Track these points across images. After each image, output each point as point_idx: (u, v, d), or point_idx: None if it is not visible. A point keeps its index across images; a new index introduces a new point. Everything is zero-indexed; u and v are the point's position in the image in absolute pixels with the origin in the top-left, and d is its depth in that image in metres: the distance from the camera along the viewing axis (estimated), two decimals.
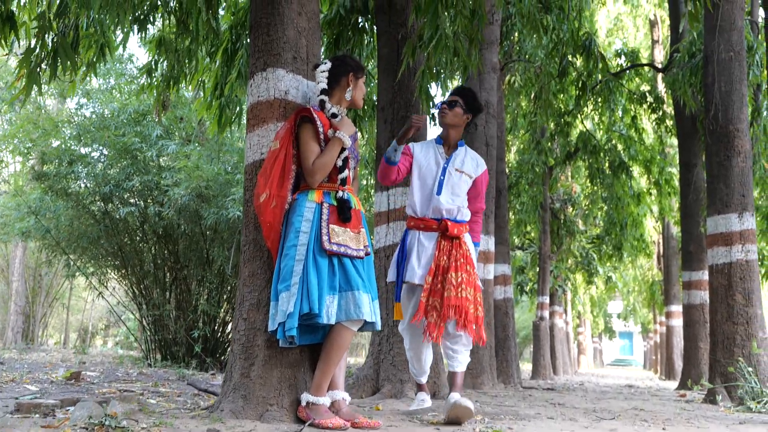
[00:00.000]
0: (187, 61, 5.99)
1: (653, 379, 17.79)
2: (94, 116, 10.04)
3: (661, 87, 13.60)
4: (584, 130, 12.57)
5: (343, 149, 3.18)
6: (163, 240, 9.91)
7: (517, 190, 13.56)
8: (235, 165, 9.53)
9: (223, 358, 9.97)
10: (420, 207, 3.94)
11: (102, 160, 9.82)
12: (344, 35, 6.27)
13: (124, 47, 5.03)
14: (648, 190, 14.33)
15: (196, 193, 8.81)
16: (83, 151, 9.94)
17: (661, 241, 19.85)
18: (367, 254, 3.16)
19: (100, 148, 9.84)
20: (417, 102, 5.15)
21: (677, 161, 14.35)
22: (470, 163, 4.01)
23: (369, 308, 3.01)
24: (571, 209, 16.05)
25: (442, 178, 3.93)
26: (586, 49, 6.82)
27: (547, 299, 14.17)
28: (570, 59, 8.19)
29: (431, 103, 4.92)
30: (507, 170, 11.79)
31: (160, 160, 9.83)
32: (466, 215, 3.97)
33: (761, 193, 8.32)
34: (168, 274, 9.97)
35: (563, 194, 16.06)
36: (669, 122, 11.81)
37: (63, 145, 9.29)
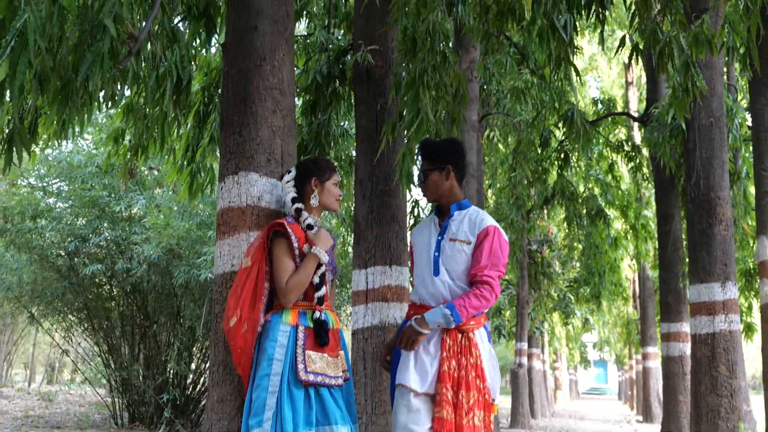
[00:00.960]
0: (156, 128, 5.74)
1: (630, 420, 17.69)
2: (61, 164, 9.71)
3: (637, 134, 13.65)
4: (562, 174, 12.52)
5: (319, 264, 2.97)
6: (132, 296, 9.57)
7: None
8: (209, 217, 9.26)
9: (193, 416, 9.62)
10: (419, 292, 3.16)
11: (67, 212, 9.49)
12: (321, 102, 6.11)
13: (89, 122, 4.77)
14: (624, 233, 14.31)
15: (167, 249, 8.53)
16: (49, 201, 9.61)
17: (636, 279, 19.87)
18: (346, 380, 2.94)
19: (67, 200, 9.52)
20: (398, 185, 4.98)
21: (653, 205, 14.38)
22: (466, 226, 3.12)
23: None
24: (548, 251, 15.98)
25: (436, 255, 3.13)
26: (569, 119, 6.74)
27: (525, 345, 14.02)
28: (552, 129, 8.13)
29: (411, 186, 4.75)
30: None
31: (131, 210, 9.52)
32: None
33: (740, 253, 8.29)
34: (136, 331, 9.62)
35: (540, 235, 16.00)
36: (646, 170, 11.81)
37: (26, 200, 8.94)
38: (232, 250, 3.13)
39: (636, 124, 13.29)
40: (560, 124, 6.94)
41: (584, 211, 12.34)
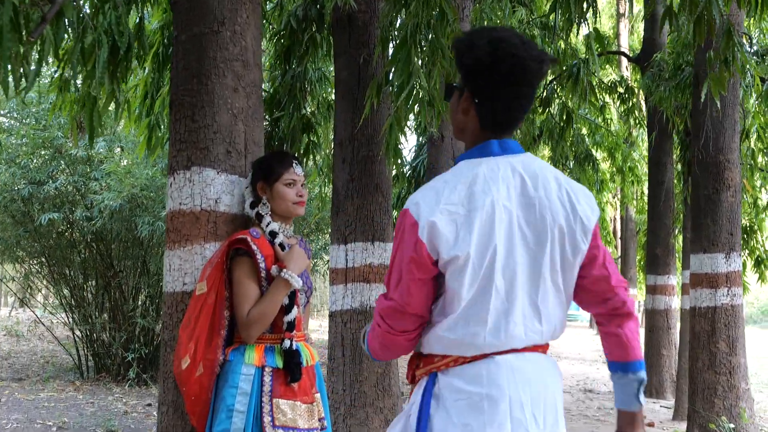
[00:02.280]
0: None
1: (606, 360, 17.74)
2: (10, 102, 8.87)
3: (628, 72, 12.98)
4: (552, 113, 11.87)
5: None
6: (94, 244, 8.96)
7: None
8: None
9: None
10: None
11: (22, 150, 8.72)
12: (295, 50, 5.38)
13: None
14: (611, 175, 13.85)
15: (129, 198, 7.87)
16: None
17: (618, 218, 19.61)
18: (323, 429, 2.45)
19: (20, 138, 8.75)
20: (383, 159, 4.37)
21: (641, 147, 13.90)
22: None
23: None
24: None
25: None
26: (574, 76, 6.11)
27: None
28: (555, 87, 7.50)
29: (399, 161, 4.14)
30: None
31: (90, 153, 8.77)
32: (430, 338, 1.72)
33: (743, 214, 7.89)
34: (100, 280, 9.06)
35: None
36: (637, 113, 11.24)
37: None
38: (183, 265, 2.57)
39: (628, 62, 12.60)
40: (564, 82, 6.33)
41: (572, 154, 11.79)
